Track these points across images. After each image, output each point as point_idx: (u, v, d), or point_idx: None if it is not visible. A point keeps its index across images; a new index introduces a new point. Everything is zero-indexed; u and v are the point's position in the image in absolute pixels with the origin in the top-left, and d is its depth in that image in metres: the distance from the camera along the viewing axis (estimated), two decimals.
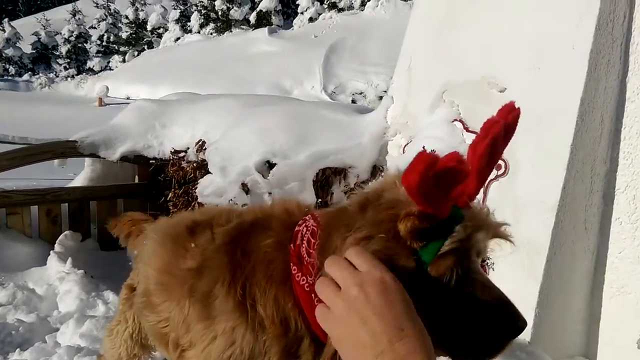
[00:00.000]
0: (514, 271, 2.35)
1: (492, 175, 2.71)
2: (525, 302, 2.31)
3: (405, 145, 3.13)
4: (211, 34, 31.12)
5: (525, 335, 2.30)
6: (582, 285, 2.43)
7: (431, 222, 0.92)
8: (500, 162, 2.59)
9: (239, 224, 1.31)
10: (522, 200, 2.44)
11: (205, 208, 2.91)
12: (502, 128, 0.93)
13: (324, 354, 1.01)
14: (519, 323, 0.97)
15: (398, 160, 3.11)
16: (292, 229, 1.17)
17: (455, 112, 2.87)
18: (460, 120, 2.85)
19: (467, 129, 2.80)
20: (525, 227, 2.38)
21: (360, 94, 17.70)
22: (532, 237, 2.36)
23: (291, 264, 1.12)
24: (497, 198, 2.51)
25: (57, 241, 3.85)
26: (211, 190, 3.44)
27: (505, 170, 2.55)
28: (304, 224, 1.15)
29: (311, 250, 1.09)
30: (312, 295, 1.07)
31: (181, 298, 1.32)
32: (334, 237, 1.03)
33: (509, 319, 0.97)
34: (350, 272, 0.85)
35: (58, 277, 3.37)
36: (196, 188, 3.64)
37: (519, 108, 0.96)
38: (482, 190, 2.74)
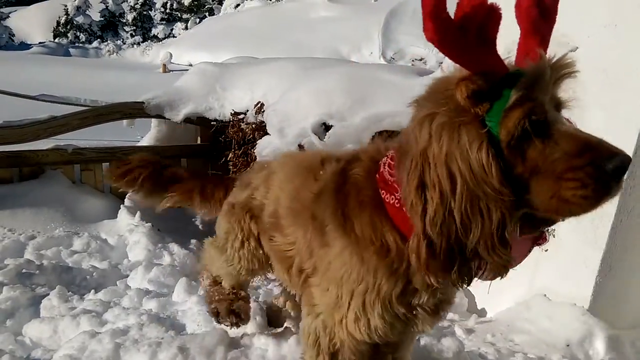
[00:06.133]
0: (577, 238, 2.27)
1: None
2: (586, 269, 2.24)
3: None
4: None
5: (583, 303, 2.24)
6: None
7: (486, 81, 0.91)
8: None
9: (349, 158, 1.40)
10: None
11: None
12: None
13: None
14: (620, 158, 0.88)
15: None
16: (378, 161, 1.26)
17: None
18: None
19: None
20: None
21: (421, 60, 17.14)
22: None
23: (380, 190, 1.20)
24: None
25: (126, 196, 4.09)
26: (269, 151, 3.51)
27: None
28: (385, 157, 1.24)
29: (392, 171, 1.17)
30: (403, 209, 1.11)
31: (305, 224, 1.40)
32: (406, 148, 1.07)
33: (606, 159, 0.88)
34: None
35: (128, 229, 3.60)
36: (255, 149, 3.73)
37: None
38: None
